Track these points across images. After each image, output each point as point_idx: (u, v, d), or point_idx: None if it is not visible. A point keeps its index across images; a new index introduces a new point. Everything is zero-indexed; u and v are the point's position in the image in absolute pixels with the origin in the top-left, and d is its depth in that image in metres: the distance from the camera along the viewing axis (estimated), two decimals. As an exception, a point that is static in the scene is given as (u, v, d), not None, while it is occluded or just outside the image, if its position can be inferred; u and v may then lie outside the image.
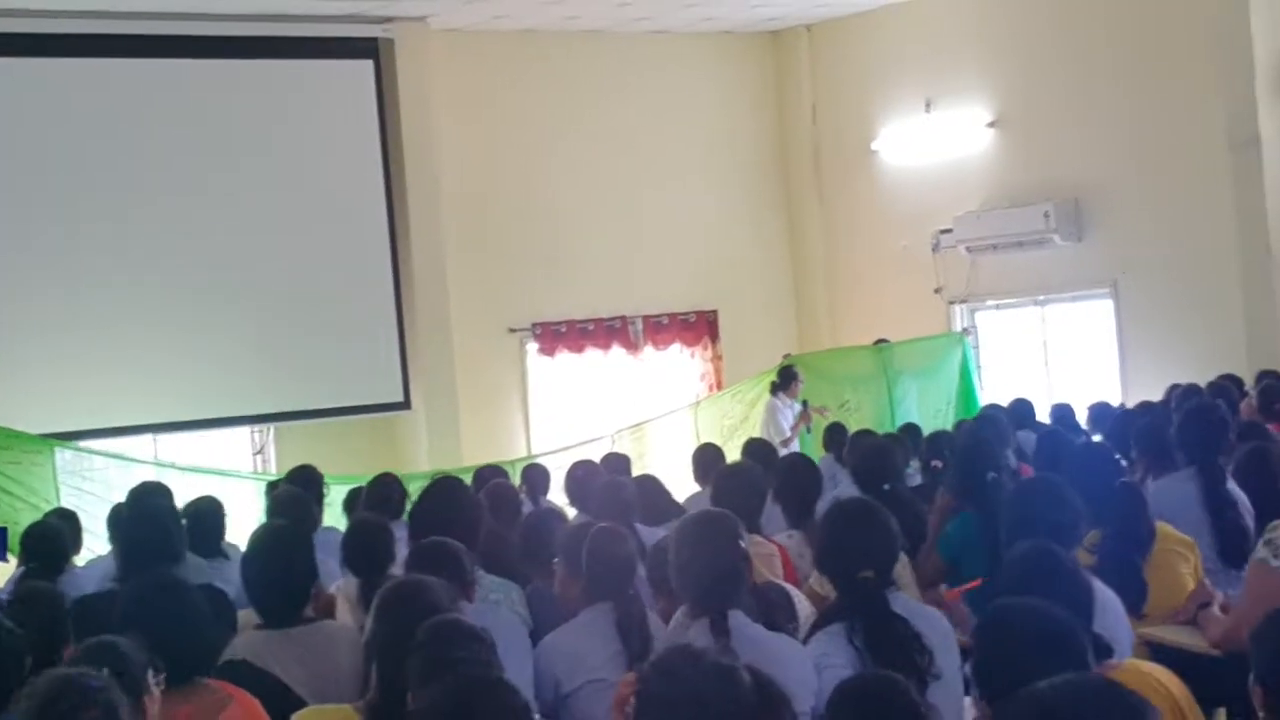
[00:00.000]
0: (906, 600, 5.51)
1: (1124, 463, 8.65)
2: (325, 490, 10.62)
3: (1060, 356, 17.54)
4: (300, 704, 5.41)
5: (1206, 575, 7.10)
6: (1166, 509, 7.59)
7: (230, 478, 13.88)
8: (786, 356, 16.75)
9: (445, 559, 5.89)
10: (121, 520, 8.40)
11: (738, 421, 16.21)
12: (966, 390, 16.71)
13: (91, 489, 13.02)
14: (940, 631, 5.30)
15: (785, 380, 15.84)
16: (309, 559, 6.22)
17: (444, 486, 7.45)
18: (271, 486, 10.95)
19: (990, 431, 9.63)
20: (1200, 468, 7.74)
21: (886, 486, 8.21)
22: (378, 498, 9.35)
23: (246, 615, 6.63)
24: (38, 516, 10.67)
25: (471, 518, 7.06)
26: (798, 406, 15.71)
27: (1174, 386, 12.54)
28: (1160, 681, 4.72)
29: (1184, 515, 7.54)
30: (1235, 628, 6.13)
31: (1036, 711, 2.91)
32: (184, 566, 7.49)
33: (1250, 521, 7.54)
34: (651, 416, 16.62)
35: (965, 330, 17.64)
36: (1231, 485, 7.67)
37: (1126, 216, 16.37)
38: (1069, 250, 16.75)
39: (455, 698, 4.00)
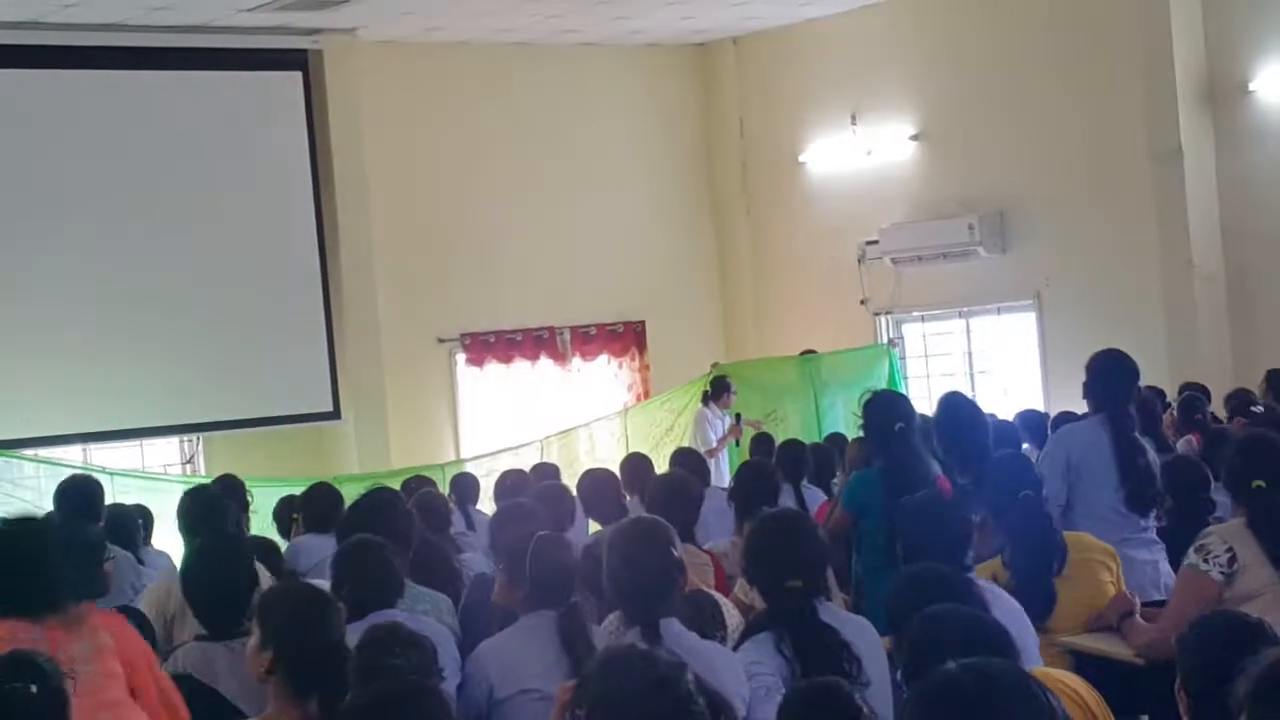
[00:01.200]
0: (835, 609, 5.58)
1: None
2: (250, 498, 10.61)
3: (985, 368, 17.70)
4: (238, 716, 5.43)
5: (1113, 519, 7.23)
6: (1076, 449, 7.85)
7: (160, 482, 13.87)
8: (715, 365, 16.85)
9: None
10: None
11: (664, 430, 16.31)
12: None
13: (23, 495, 12.99)
14: (868, 640, 5.37)
15: (717, 391, 15.92)
16: (250, 570, 6.24)
17: (376, 498, 7.49)
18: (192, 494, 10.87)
19: (897, 396, 9.84)
20: (1110, 415, 7.90)
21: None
22: (318, 513, 9.35)
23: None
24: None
25: (403, 528, 7.11)
26: (728, 419, 15.79)
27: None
28: (1070, 686, 4.79)
29: (1094, 458, 7.78)
30: (1162, 634, 6.11)
31: (943, 689, 2.95)
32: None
33: (1157, 471, 7.78)
34: (582, 422, 16.68)
35: (892, 341, 17.75)
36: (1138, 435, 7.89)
37: (1050, 229, 16.54)
38: (993, 262, 16.91)
39: (378, 702, 4.06)
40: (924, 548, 5.79)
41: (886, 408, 8.25)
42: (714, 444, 15.46)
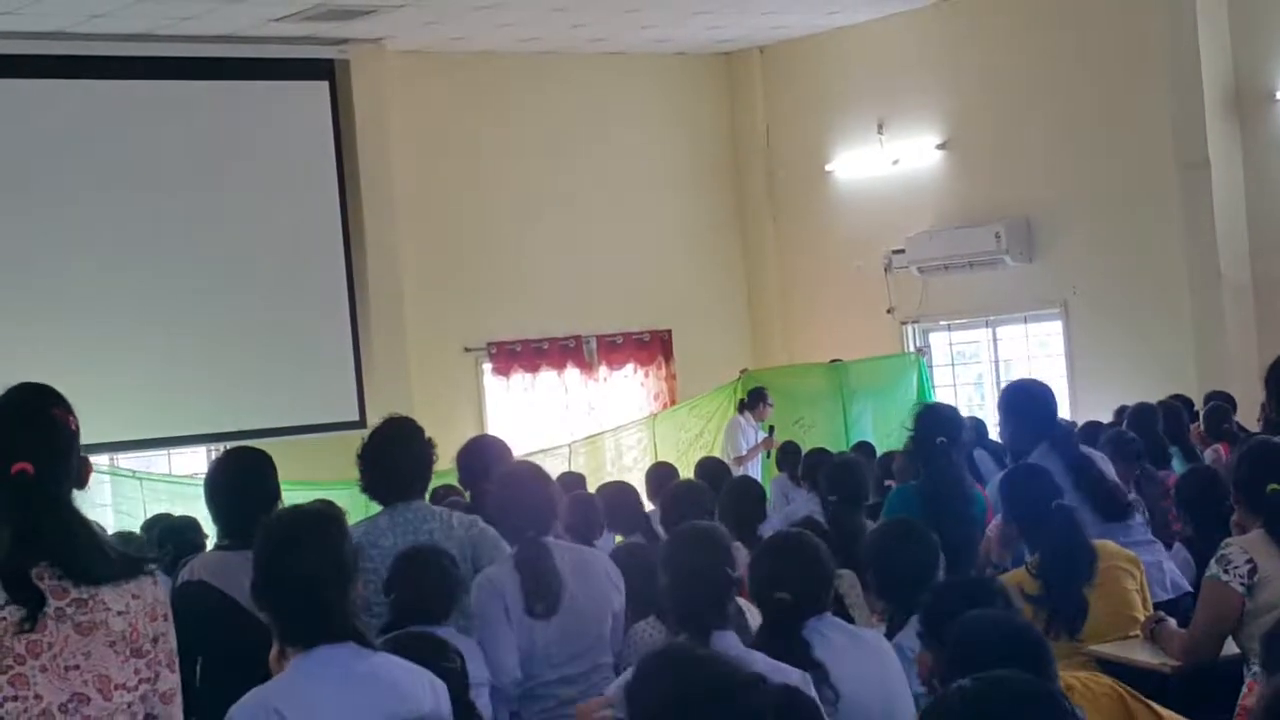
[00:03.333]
0: (839, 624, 5.54)
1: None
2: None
3: (1011, 377, 17.65)
4: (253, 620, 5.38)
5: (1095, 534, 7.22)
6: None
7: (189, 487, 13.92)
8: (744, 372, 16.82)
9: None
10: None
11: (694, 436, 16.28)
12: None
13: None
14: (868, 657, 5.34)
15: (754, 401, 15.89)
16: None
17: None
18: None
19: (947, 410, 9.83)
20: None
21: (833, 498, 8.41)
22: None
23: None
24: None
25: None
26: (761, 430, 15.75)
27: (1122, 407, 12.63)
28: (1106, 686, 4.79)
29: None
30: (1194, 641, 6.25)
31: (958, 706, 2.94)
32: None
33: (1111, 473, 7.84)
34: (609, 428, 16.68)
35: (920, 350, 17.73)
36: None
37: (1077, 237, 16.52)
38: (1020, 271, 16.89)
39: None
40: (891, 575, 5.92)
41: (932, 421, 8.25)
42: (744, 452, 15.44)
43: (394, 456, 6.62)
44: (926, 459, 8.06)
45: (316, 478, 14.74)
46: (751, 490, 8.81)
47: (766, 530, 7.92)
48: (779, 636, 5.17)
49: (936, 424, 8.18)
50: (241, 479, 6.19)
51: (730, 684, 3.70)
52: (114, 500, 13.83)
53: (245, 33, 15.79)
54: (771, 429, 15.68)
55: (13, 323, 14.96)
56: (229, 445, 15.89)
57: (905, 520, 6.89)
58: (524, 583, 6.00)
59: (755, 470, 15.40)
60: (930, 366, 17.77)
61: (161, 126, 15.81)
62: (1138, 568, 7.03)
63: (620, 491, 9.39)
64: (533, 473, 6.63)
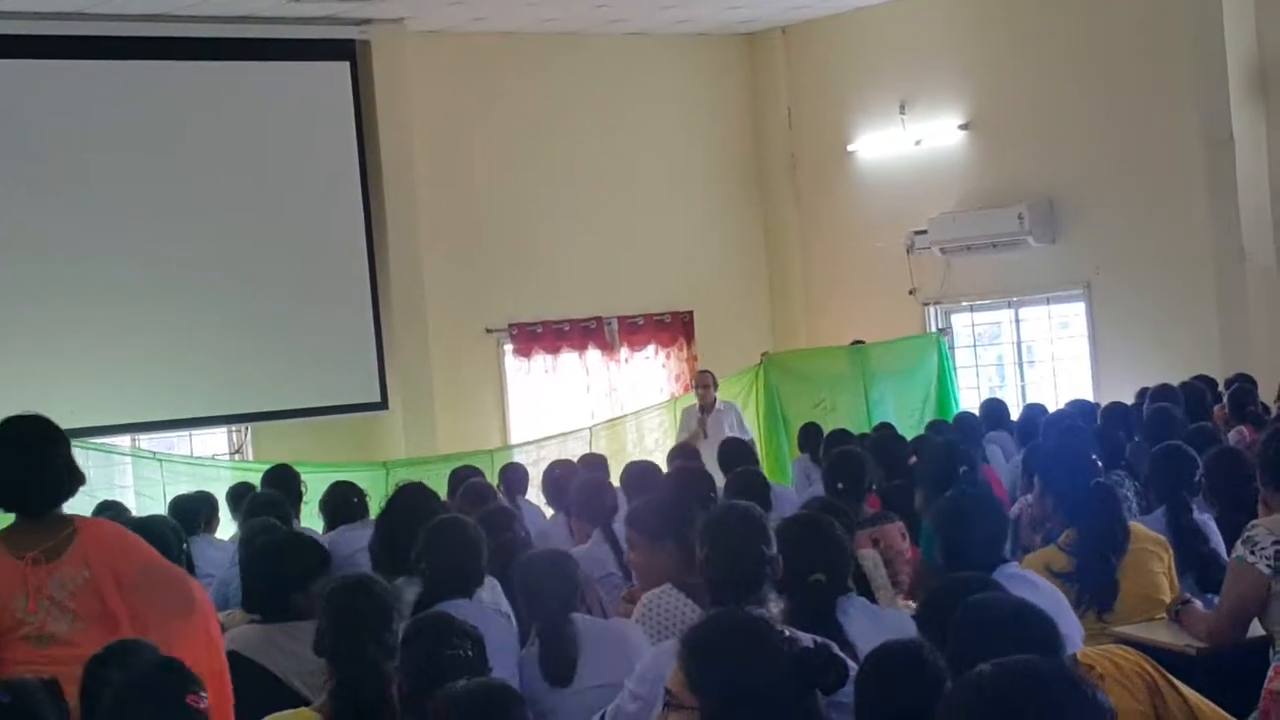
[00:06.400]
0: (865, 604, 5.56)
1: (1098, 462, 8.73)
2: (303, 489, 10.68)
3: (1034, 358, 17.63)
4: (290, 693, 5.48)
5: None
6: None
7: (209, 468, 13.97)
8: (765, 355, 16.78)
9: None
10: None
11: None
12: (944, 391, 16.68)
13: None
14: (898, 630, 5.33)
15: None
16: (303, 556, 6.32)
17: (411, 490, 7.59)
18: (238, 491, 10.95)
19: (959, 433, 9.79)
20: (1168, 507, 7.76)
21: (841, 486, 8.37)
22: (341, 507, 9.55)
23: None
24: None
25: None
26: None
27: (1144, 390, 12.59)
28: (1134, 660, 4.76)
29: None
30: (1219, 622, 6.27)
31: (978, 693, 2.90)
32: None
33: (1220, 546, 7.60)
34: (629, 412, 16.66)
35: (942, 330, 17.68)
36: (1198, 516, 7.70)
37: (1100, 218, 16.44)
38: (1043, 251, 16.82)
39: (469, 698, 4.12)
40: (961, 547, 5.82)
41: (947, 455, 8.20)
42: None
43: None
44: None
45: (337, 459, 14.79)
46: (755, 481, 8.80)
47: (778, 512, 7.92)
48: (811, 619, 5.13)
49: (951, 457, 8.13)
50: (271, 556, 6.35)
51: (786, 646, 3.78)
52: (135, 483, 13.86)
53: (266, 13, 15.78)
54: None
55: (35, 304, 14.98)
56: (250, 426, 16.15)
57: (975, 492, 6.86)
58: (542, 652, 6.05)
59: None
60: (952, 348, 17.72)
61: (182, 108, 15.80)
62: (1166, 551, 7.02)
63: (645, 470, 9.43)
64: (556, 556, 6.62)
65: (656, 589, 6.18)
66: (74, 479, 5.49)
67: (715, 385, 15.62)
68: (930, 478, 8.25)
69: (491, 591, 6.75)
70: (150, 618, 5.29)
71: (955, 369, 17.49)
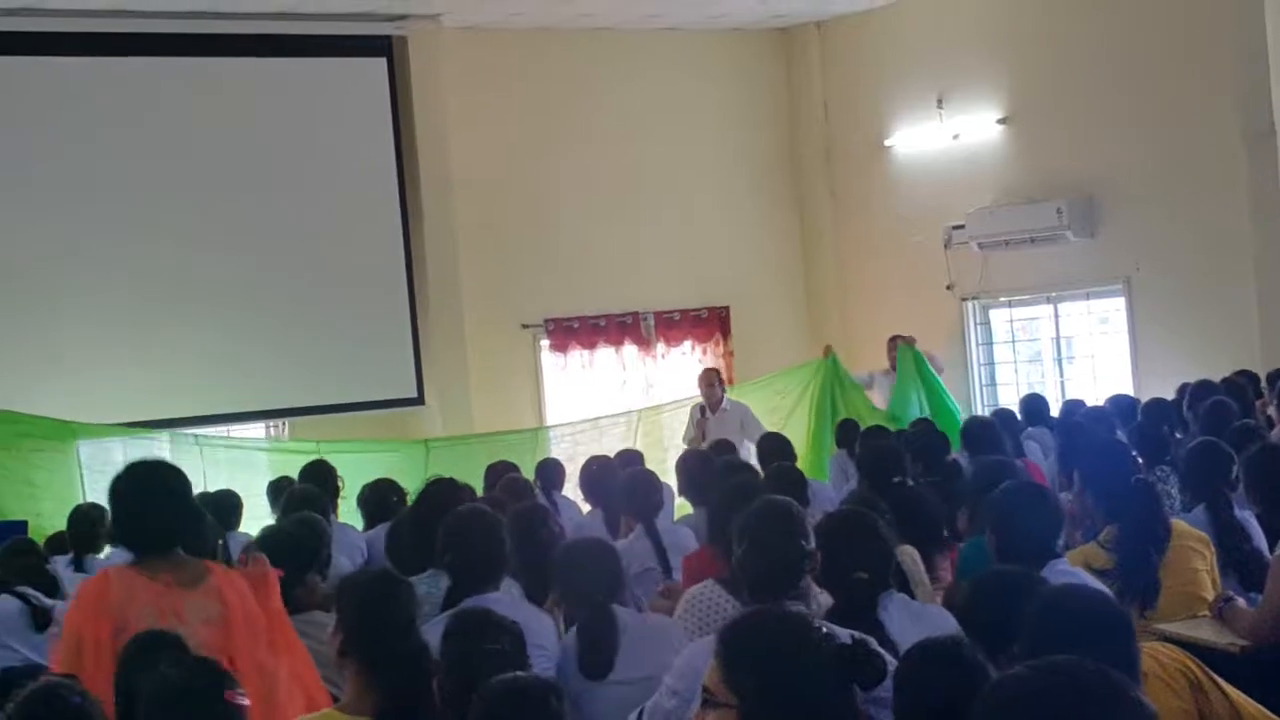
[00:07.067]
0: (908, 601, 5.54)
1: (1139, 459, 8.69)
2: (340, 484, 10.71)
3: (1073, 354, 17.54)
4: None
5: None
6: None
7: (250, 453, 14.03)
8: (829, 349, 16.48)
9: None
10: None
11: (785, 415, 16.03)
12: (939, 400, 16.29)
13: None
14: (938, 627, 5.31)
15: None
16: (298, 548, 6.44)
17: (440, 487, 7.58)
18: (278, 485, 10.99)
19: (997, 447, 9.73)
20: (1208, 504, 7.71)
21: (896, 479, 8.33)
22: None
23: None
24: (60, 508, 10.77)
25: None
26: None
27: (1185, 385, 12.52)
28: (1178, 658, 4.72)
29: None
30: (1262, 620, 6.28)
31: (1015, 694, 2.86)
32: None
33: (1263, 544, 7.53)
34: (672, 401, 16.60)
35: (905, 339, 16.88)
36: (1239, 513, 7.64)
37: (1140, 212, 16.33)
38: (1082, 246, 16.72)
39: (509, 695, 4.11)
40: (1016, 538, 5.76)
41: (989, 472, 8.10)
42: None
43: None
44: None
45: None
46: (792, 476, 8.78)
47: (816, 508, 7.90)
48: (854, 618, 5.09)
49: (993, 472, 8.02)
50: (278, 555, 6.27)
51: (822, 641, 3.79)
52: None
53: (303, 9, 15.80)
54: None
55: (75, 300, 15.05)
56: (288, 420, 16.20)
57: (1032, 484, 6.82)
58: (580, 643, 6.07)
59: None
60: (988, 344, 17.66)
61: (219, 102, 15.84)
62: (1208, 548, 6.97)
63: (704, 458, 9.52)
64: (600, 545, 6.68)
65: (699, 584, 6.17)
66: (204, 519, 5.83)
67: (722, 384, 15.50)
68: (970, 502, 8.11)
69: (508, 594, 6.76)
70: (279, 670, 5.52)
71: (984, 365, 17.46)
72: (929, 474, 9.71)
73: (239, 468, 12.88)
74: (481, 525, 6.31)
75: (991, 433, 10.89)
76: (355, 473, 11.07)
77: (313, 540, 7.06)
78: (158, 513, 5.62)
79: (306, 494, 9.59)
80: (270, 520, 10.75)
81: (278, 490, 10.77)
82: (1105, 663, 2.89)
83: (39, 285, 14.97)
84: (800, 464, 12.82)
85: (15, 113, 15.06)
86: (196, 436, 14.11)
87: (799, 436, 15.02)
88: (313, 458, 11.47)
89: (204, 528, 5.75)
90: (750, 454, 12.56)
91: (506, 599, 6.04)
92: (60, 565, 9.59)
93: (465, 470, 10.52)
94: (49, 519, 11.57)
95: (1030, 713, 2.80)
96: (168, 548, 5.59)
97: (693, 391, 17.46)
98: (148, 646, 4.74)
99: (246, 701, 4.24)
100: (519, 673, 4.51)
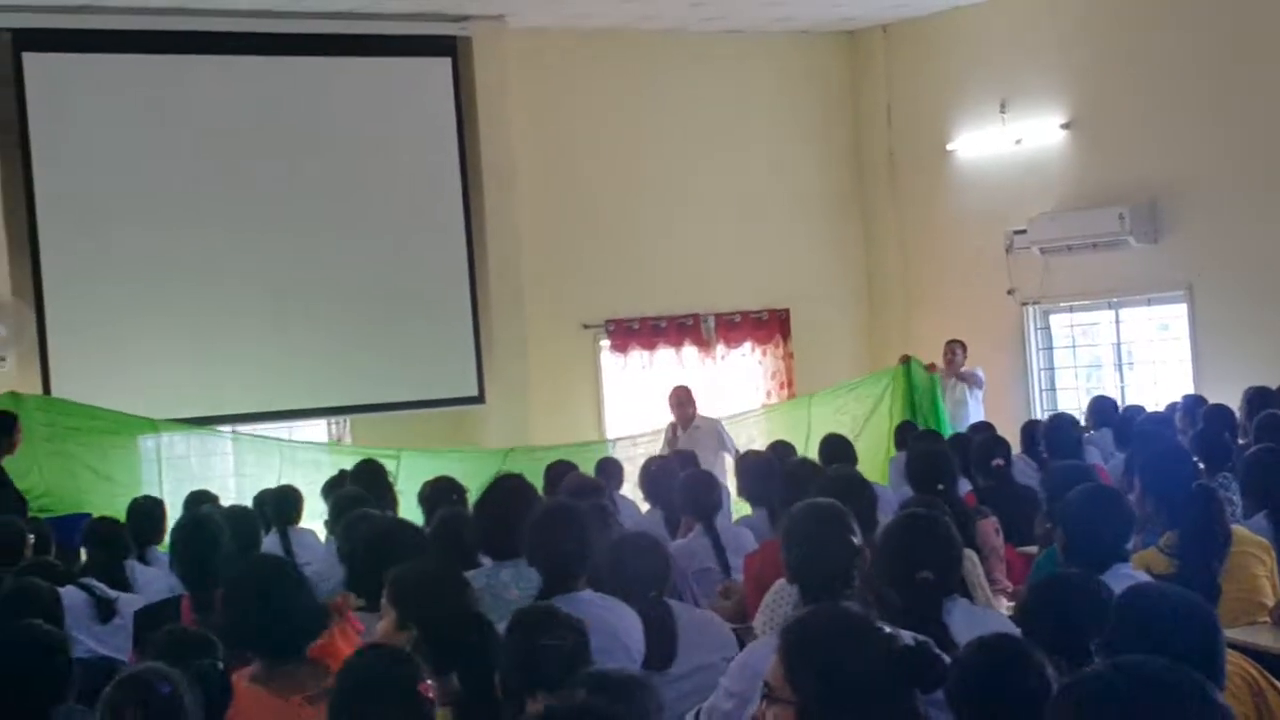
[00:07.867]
0: (969, 606, 5.54)
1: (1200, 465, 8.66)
2: (393, 479, 10.74)
3: (1134, 360, 17.47)
4: None
5: None
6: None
7: (310, 450, 14.13)
8: (907, 357, 16.25)
9: None
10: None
11: (862, 421, 15.91)
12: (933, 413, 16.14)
13: (174, 475, 13.28)
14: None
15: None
16: (405, 541, 6.41)
17: (510, 482, 7.56)
18: (332, 485, 11.02)
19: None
20: (1269, 511, 7.70)
21: (940, 487, 8.34)
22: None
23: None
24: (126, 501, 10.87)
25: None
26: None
27: (1249, 390, 12.48)
28: (1241, 665, 4.72)
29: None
30: None
31: (1096, 694, 2.86)
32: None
33: None
34: (753, 409, 16.60)
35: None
36: None
37: (1204, 218, 16.26)
38: (1144, 252, 16.66)
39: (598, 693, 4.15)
40: (1086, 539, 5.77)
41: (1064, 479, 8.10)
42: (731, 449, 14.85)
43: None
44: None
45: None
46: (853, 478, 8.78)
47: (884, 511, 7.90)
48: (919, 619, 5.09)
49: (1068, 477, 8.02)
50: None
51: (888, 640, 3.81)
52: (236, 467, 14.07)
53: (368, 9, 15.88)
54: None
55: (142, 297, 15.18)
56: (348, 418, 16.29)
57: (1105, 487, 6.83)
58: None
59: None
60: (1048, 348, 17.60)
61: (285, 102, 15.95)
62: (1269, 554, 6.96)
63: (767, 460, 9.54)
64: (648, 539, 6.69)
65: (780, 581, 6.20)
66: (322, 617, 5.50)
67: (692, 402, 15.10)
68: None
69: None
70: None
71: (1044, 370, 17.43)
72: (987, 477, 9.76)
73: (321, 469, 12.87)
74: (570, 521, 6.29)
75: (1065, 436, 10.86)
76: (434, 472, 11.09)
77: (416, 534, 6.96)
78: (285, 610, 5.31)
79: (353, 496, 9.61)
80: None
81: (333, 488, 10.82)
82: (1189, 663, 2.87)
83: (95, 284, 15.08)
84: (876, 470, 12.91)
85: (78, 111, 15.15)
86: (279, 441, 14.26)
87: (877, 443, 15.00)
88: (361, 458, 11.54)
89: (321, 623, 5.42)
90: (727, 468, 12.61)
91: (596, 596, 6.02)
92: None
93: (539, 478, 10.54)
94: (121, 513, 11.68)
95: (1109, 712, 2.78)
96: (297, 650, 5.31)
97: (752, 394, 17.51)
98: None
99: (434, 695, 4.27)
100: (611, 667, 4.53)
